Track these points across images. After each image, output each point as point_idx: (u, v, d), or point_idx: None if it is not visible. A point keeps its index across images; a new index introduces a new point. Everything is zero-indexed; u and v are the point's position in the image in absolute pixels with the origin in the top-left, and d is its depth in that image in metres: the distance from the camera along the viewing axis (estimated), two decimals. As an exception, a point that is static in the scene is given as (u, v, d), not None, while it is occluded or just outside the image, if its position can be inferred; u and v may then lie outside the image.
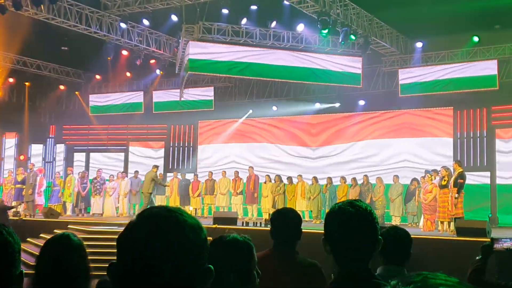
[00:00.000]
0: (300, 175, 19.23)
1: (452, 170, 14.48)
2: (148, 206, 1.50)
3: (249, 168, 20.04)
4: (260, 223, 15.63)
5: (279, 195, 18.70)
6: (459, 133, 19.48)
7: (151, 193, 18.45)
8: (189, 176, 21.16)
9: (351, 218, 2.22)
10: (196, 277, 1.27)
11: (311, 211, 18.55)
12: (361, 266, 2.23)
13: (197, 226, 1.29)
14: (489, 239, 4.15)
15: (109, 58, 20.21)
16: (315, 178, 18.81)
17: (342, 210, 2.26)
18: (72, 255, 2.71)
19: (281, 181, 19.05)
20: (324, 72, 18.86)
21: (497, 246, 4.05)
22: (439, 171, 14.74)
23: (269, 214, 17.32)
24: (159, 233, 1.24)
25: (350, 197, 17.56)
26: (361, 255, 2.24)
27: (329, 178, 18.64)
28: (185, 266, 1.24)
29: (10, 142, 25.43)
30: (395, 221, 17.06)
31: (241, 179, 19.78)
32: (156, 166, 19.77)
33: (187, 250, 1.25)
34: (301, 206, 18.20)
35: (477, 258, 3.97)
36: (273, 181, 19.12)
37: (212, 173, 20.56)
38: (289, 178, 19.07)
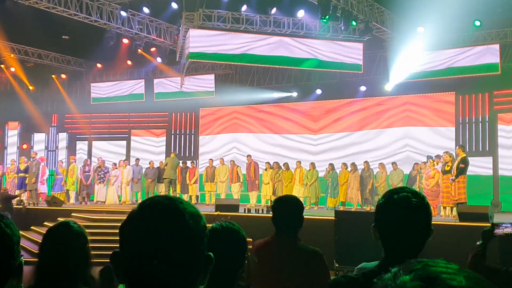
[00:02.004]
0: (299, 162, 19.15)
1: (455, 155, 14.48)
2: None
3: (247, 156, 19.99)
4: (262, 210, 15.62)
5: (279, 182, 18.70)
6: (461, 118, 19.44)
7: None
8: (189, 164, 21.18)
9: (409, 209, 2.16)
10: (198, 264, 1.29)
11: (307, 197, 18.37)
12: (410, 256, 2.15)
13: (196, 214, 1.31)
14: (490, 224, 4.16)
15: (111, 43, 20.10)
16: (312, 165, 18.74)
17: (399, 200, 2.19)
18: (72, 243, 2.74)
19: (280, 168, 19.04)
20: (325, 59, 18.81)
21: (498, 231, 4.03)
22: (442, 156, 14.72)
23: (270, 201, 17.32)
24: (161, 221, 1.26)
25: (351, 183, 17.55)
26: (414, 244, 2.19)
27: (331, 165, 18.55)
28: (187, 253, 1.26)
29: (13, 131, 25.47)
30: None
31: (238, 166, 19.70)
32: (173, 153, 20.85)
33: (188, 238, 1.26)
34: (298, 192, 18.13)
35: (478, 243, 3.97)
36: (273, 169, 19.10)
37: (212, 160, 20.54)
38: (286, 164, 19.00)
